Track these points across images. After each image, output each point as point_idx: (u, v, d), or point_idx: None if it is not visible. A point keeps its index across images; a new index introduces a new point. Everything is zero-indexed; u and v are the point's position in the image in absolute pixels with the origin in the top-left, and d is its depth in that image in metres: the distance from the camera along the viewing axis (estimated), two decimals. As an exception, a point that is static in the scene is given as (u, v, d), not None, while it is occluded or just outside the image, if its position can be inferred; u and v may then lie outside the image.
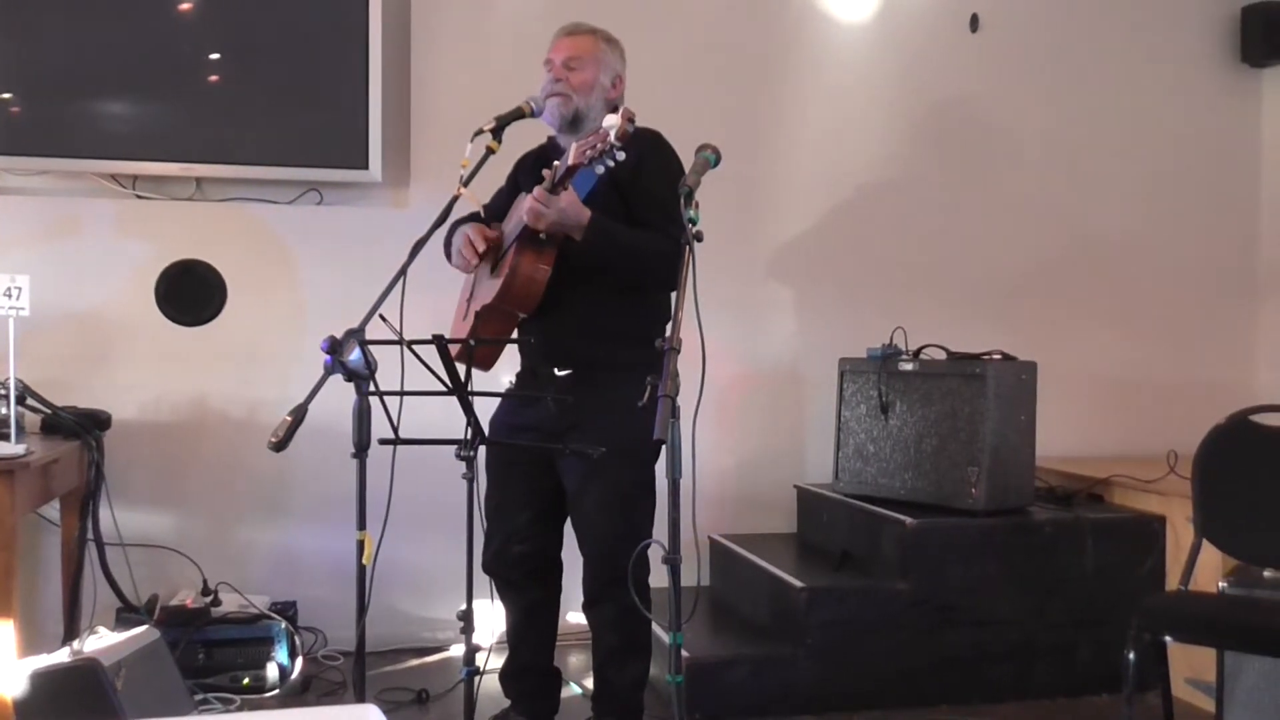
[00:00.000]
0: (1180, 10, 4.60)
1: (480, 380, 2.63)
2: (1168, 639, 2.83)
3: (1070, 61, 4.51)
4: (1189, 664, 3.29)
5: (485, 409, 2.73)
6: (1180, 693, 3.27)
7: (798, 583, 3.41)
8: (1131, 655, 2.76)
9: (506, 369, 2.99)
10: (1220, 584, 2.98)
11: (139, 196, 3.84)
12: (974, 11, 4.41)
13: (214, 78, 3.81)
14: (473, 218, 3.00)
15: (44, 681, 2.64)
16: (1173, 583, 3.44)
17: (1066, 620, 3.51)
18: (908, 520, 3.45)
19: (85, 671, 2.63)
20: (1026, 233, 4.47)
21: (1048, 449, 3.80)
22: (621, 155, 2.49)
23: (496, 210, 2.99)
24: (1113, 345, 4.52)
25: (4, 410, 3.06)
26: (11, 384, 3.04)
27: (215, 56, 3.80)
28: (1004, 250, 4.45)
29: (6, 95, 3.64)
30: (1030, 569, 3.49)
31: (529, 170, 2.93)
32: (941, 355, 3.68)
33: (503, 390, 2.98)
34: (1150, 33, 4.58)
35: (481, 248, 2.83)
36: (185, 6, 3.78)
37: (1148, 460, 3.97)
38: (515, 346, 2.90)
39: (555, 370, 2.80)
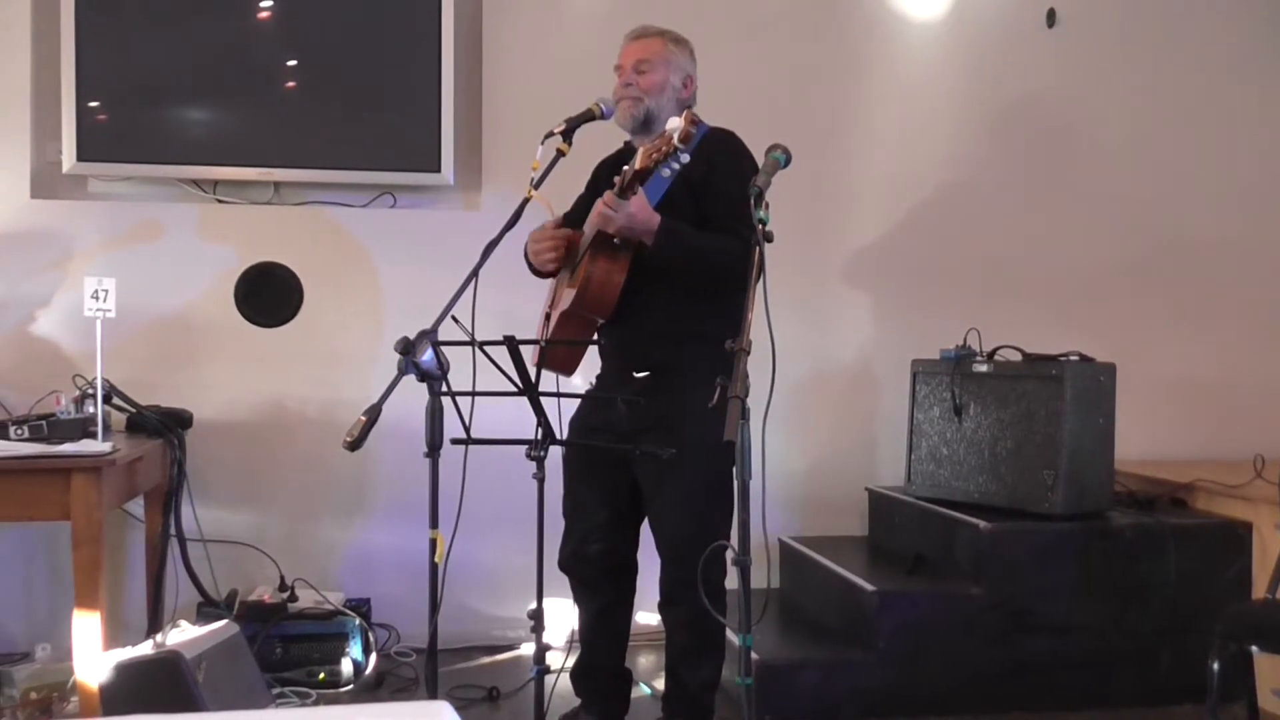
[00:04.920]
0: (1266, 3, 4.46)
1: (553, 381, 2.64)
2: (1254, 649, 2.75)
3: (1150, 57, 4.40)
4: (1276, 674, 3.19)
5: (563, 409, 2.75)
6: (1267, 704, 3.18)
7: (869, 586, 3.38)
8: (1216, 665, 2.69)
9: (585, 370, 3.01)
10: (1310, 593, 2.89)
11: (219, 201, 3.93)
12: (1050, 6, 4.33)
13: (291, 84, 3.89)
14: None
15: (128, 672, 2.71)
16: (1259, 591, 3.34)
17: (1148, 628, 3.42)
18: (982, 524, 3.40)
19: (168, 663, 2.69)
20: (1104, 233, 4.37)
21: (1128, 452, 3.71)
22: (686, 158, 2.49)
23: (576, 217, 3.00)
24: (1195, 347, 4.39)
25: (91, 409, 3.14)
26: (98, 384, 3.11)
27: (292, 63, 3.88)
28: (1081, 251, 4.35)
29: (93, 104, 3.75)
30: (1109, 575, 3.41)
31: (605, 175, 2.94)
32: (1017, 357, 3.62)
33: (575, 391, 2.99)
34: (1234, 27, 4.44)
35: (550, 242, 2.86)
36: (263, 15, 3.86)
37: (1233, 464, 3.85)
38: (597, 348, 2.92)
39: (634, 372, 2.81)
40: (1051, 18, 4.33)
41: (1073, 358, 3.49)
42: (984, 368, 3.64)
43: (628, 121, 2.87)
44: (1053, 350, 3.55)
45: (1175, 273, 4.41)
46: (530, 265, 3.01)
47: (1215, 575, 3.44)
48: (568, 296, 2.77)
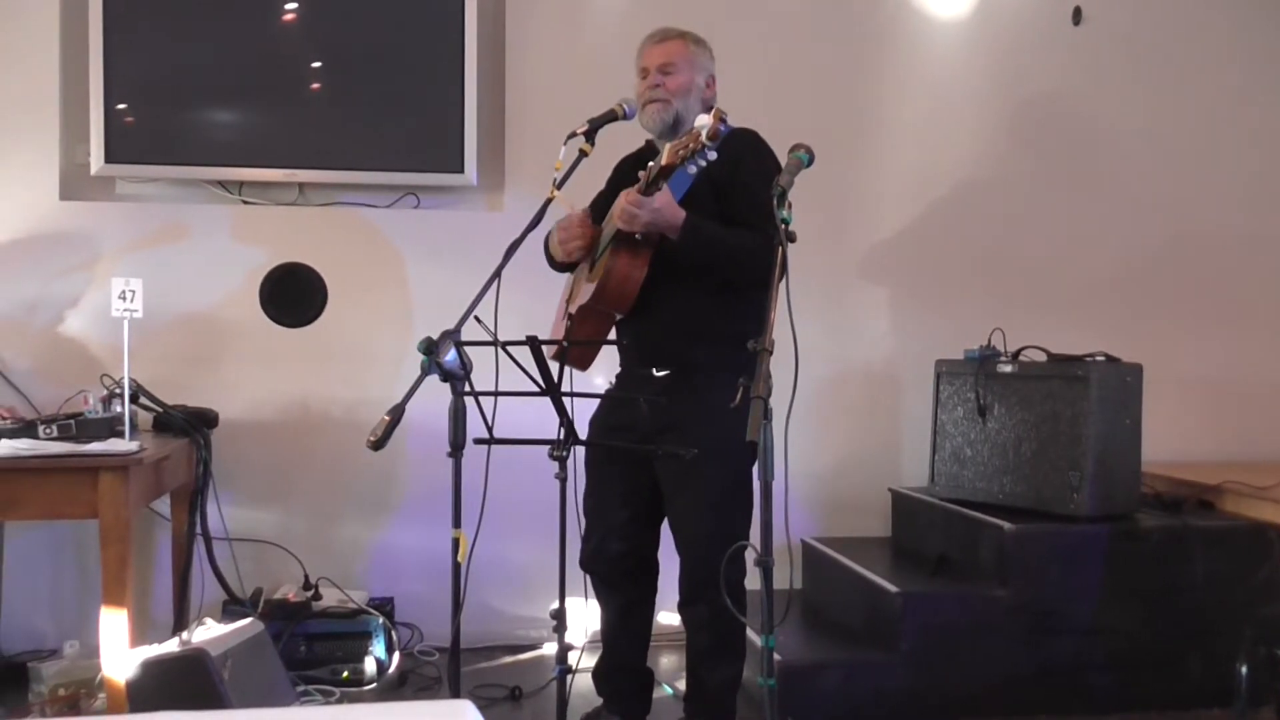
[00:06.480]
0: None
1: (574, 381, 2.64)
2: (1283, 652, 2.72)
3: (1176, 55, 4.36)
4: (1306, 679, 3.16)
5: (584, 409, 2.75)
6: (1296, 708, 3.14)
7: (892, 587, 3.36)
8: (1244, 668, 2.67)
9: (605, 369, 3.01)
10: (1340, 596, 2.86)
11: (245, 202, 3.96)
12: (1076, 4, 4.30)
13: (315, 86, 3.91)
14: None
15: (155, 670, 2.73)
16: (1288, 594, 3.30)
17: (1175, 631, 3.38)
18: (1006, 525, 3.37)
19: (194, 661, 2.72)
20: (1131, 231, 4.33)
21: (1155, 454, 3.67)
22: (713, 155, 2.49)
23: (596, 213, 3.00)
24: (1224, 347, 4.35)
25: (119, 409, 3.17)
26: (125, 383, 3.14)
27: (316, 65, 3.90)
28: (1107, 249, 4.32)
29: (121, 106, 3.78)
30: (1136, 577, 3.38)
31: (628, 173, 2.94)
32: (1042, 357, 3.59)
33: (597, 391, 2.99)
34: (1258, 25, 4.39)
35: (579, 237, 2.86)
36: (288, 18, 3.88)
37: (1262, 465, 3.81)
38: (615, 347, 2.92)
39: (654, 371, 2.81)
40: (1077, 16, 4.30)
41: (1099, 358, 3.47)
42: (1008, 368, 3.61)
43: (656, 125, 2.87)
44: (1078, 350, 3.52)
45: (1202, 272, 4.37)
46: (549, 257, 3.02)
47: (1244, 578, 3.40)
48: (587, 291, 2.78)
